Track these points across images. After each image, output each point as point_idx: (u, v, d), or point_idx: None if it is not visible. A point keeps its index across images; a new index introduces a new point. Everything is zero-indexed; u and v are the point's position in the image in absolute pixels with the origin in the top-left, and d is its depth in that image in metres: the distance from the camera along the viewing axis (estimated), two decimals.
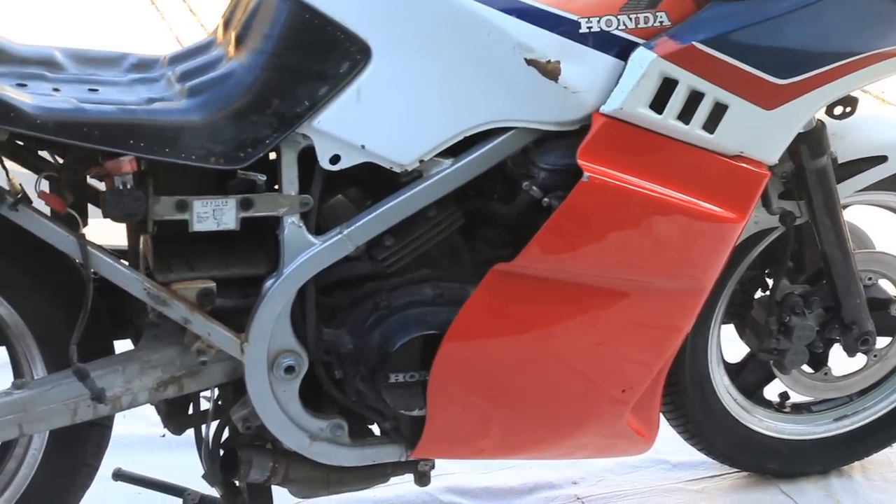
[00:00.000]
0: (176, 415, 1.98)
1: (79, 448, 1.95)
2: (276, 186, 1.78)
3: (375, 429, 2.04)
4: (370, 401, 1.91)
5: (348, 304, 1.88)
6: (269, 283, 1.80)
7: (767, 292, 2.22)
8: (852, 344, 2.17)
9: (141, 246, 1.85)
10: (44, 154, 1.81)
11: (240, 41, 1.77)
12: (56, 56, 1.82)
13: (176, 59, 1.85)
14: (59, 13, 5.18)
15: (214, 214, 1.75)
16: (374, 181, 1.81)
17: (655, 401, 2.08)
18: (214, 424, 1.98)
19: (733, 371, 2.32)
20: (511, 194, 1.83)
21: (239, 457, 1.95)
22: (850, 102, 1.99)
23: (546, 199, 1.77)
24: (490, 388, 1.92)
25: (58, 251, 1.73)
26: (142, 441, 2.13)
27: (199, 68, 1.80)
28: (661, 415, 2.18)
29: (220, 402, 1.97)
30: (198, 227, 1.74)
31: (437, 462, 2.09)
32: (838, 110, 2.00)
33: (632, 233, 1.80)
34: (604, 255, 1.81)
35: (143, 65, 1.85)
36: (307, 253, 1.78)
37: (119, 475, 2.09)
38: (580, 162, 1.72)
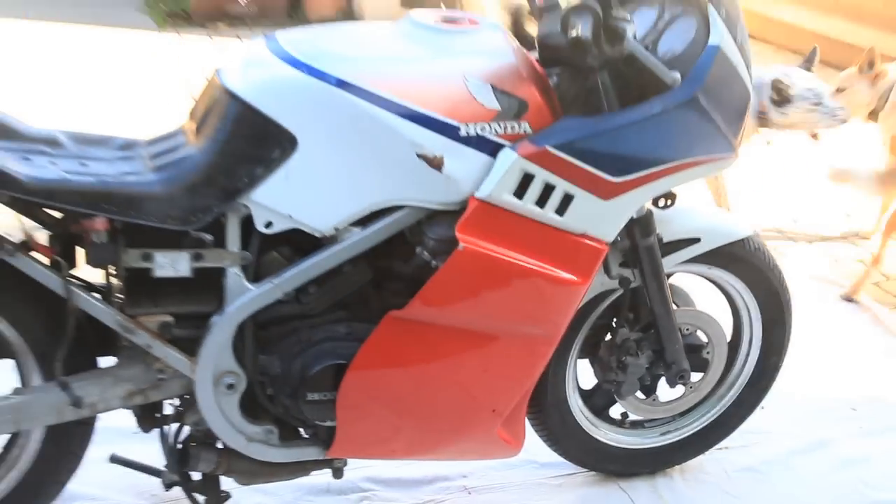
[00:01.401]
0: (145, 417, 1.85)
1: (67, 441, 1.83)
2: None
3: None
4: (294, 413, 1.81)
5: (279, 337, 1.78)
6: (214, 318, 1.70)
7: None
8: (672, 378, 2.09)
9: (116, 284, 1.74)
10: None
11: (198, 130, 1.69)
12: (58, 137, 1.71)
13: (152, 143, 1.75)
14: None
15: (172, 264, 1.65)
16: (301, 242, 1.70)
17: (521, 417, 1.97)
18: (175, 426, 1.87)
19: (586, 395, 2.21)
20: (409, 256, 1.73)
21: (190, 451, 1.84)
22: (670, 196, 1.92)
23: (434, 262, 1.68)
24: (386, 406, 1.81)
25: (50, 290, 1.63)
26: (126, 433, 2.01)
27: (166, 150, 1.70)
28: (528, 427, 2.08)
29: (181, 408, 1.86)
30: (159, 273, 1.65)
31: None
32: (661, 202, 1.93)
33: (497, 291, 1.71)
34: (475, 307, 1.71)
35: (128, 146, 1.75)
36: (245, 297, 1.68)
37: (114, 459, 1.96)
38: (458, 234, 1.63)
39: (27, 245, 1.64)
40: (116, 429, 2.05)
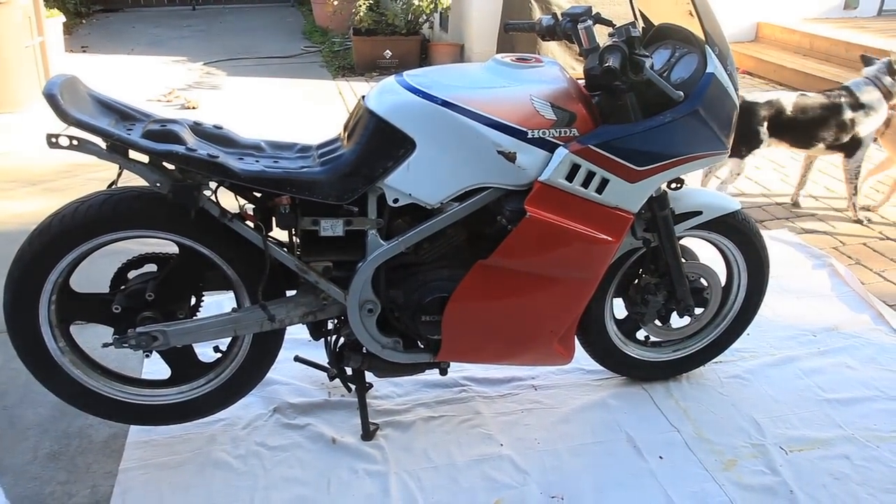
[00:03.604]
0: (316, 331, 1.88)
1: (266, 344, 1.86)
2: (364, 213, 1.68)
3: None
4: (413, 330, 1.80)
5: (403, 278, 1.77)
6: (359, 265, 1.70)
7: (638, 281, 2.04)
8: (681, 311, 2.01)
9: (295, 241, 1.76)
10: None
11: (349, 137, 1.68)
12: (261, 144, 1.73)
13: (319, 147, 1.75)
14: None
15: (331, 227, 1.66)
16: (418, 212, 1.69)
17: (571, 336, 1.92)
18: (334, 337, 1.89)
19: (619, 323, 2.13)
20: (491, 222, 1.70)
21: (344, 353, 1.86)
22: (679, 181, 1.83)
23: (510, 227, 1.64)
24: (476, 326, 1.78)
25: (255, 244, 1.66)
26: (304, 342, 2.05)
27: (328, 151, 1.70)
28: (577, 343, 2.03)
29: (338, 325, 1.87)
30: (323, 233, 1.67)
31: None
32: (673, 185, 1.84)
33: (554, 246, 1.66)
34: (537, 258, 1.67)
35: (304, 149, 1.76)
36: (379, 250, 1.68)
37: (297, 358, 2.02)
38: (526, 207, 1.59)
39: (240, 215, 1.68)
40: (298, 339, 2.10)
